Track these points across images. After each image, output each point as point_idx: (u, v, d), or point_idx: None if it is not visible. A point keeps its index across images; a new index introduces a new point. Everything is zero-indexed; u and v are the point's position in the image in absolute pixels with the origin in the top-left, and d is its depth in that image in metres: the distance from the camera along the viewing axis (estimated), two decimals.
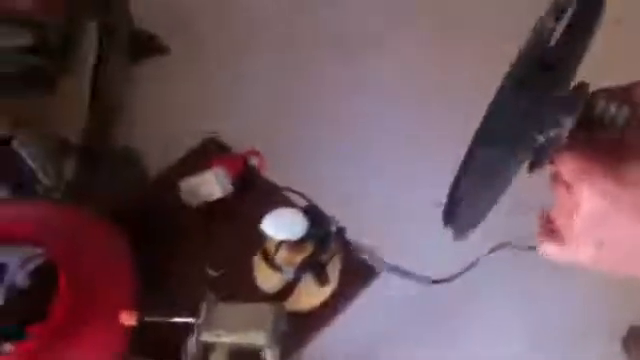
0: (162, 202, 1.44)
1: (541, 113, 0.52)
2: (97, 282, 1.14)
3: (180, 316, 1.10)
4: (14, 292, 1.13)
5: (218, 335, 1.08)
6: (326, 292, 1.27)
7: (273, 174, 1.49)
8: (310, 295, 1.26)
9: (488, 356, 1.72)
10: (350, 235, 1.27)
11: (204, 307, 1.10)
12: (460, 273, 1.10)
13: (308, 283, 1.23)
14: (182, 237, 1.39)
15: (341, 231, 1.26)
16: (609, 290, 1.62)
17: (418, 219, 1.90)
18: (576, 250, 0.55)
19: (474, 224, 0.63)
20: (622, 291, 1.52)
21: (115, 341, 1.11)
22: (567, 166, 0.53)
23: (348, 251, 1.31)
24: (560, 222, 0.56)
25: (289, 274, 1.21)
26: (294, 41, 2.37)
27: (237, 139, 1.55)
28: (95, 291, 1.13)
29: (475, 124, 0.54)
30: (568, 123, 0.53)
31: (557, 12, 0.59)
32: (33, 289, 1.14)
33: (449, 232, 0.64)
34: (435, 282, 1.22)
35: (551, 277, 1.71)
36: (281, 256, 1.22)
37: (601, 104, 0.55)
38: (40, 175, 1.57)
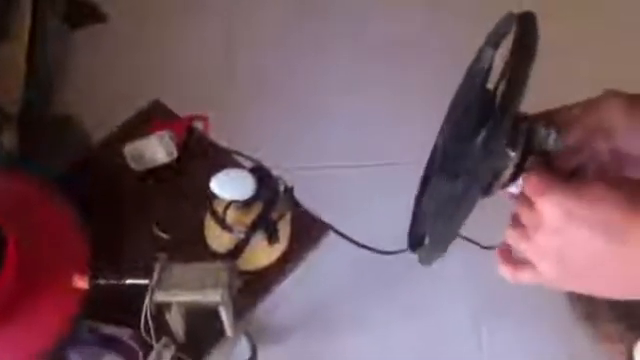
0: (107, 168, 1.43)
1: (491, 153, 0.59)
2: (46, 247, 1.13)
3: (133, 278, 1.10)
4: None
5: (173, 295, 1.09)
6: (277, 251, 1.29)
7: (219, 137, 1.50)
8: (261, 254, 1.28)
9: (436, 322, 1.77)
10: (300, 197, 1.29)
11: (157, 268, 1.10)
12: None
13: (259, 242, 1.24)
14: (129, 202, 1.38)
15: (289, 190, 1.27)
16: None
17: (372, 185, 1.95)
18: (540, 267, 0.58)
19: (440, 250, 0.67)
20: None
21: (68, 305, 1.10)
22: (530, 185, 0.58)
23: (297, 211, 1.33)
24: (522, 246, 0.59)
25: (240, 233, 1.22)
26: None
27: (181, 104, 1.55)
28: (45, 256, 1.12)
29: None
30: (514, 157, 0.60)
31: (497, 38, 0.67)
32: None
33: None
34: (387, 253, 1.27)
35: None
36: (231, 216, 1.23)
37: (540, 132, 0.62)
38: None
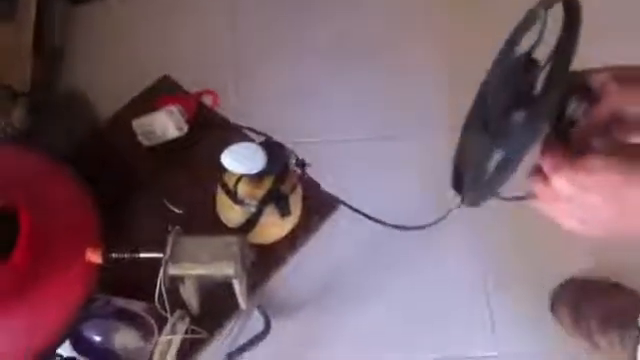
0: (117, 143, 1.43)
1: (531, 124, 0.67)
2: (59, 222, 1.13)
3: (146, 252, 1.11)
4: None
5: (186, 268, 1.09)
6: (289, 224, 1.30)
7: (226, 112, 1.50)
8: (273, 227, 1.28)
9: (446, 294, 1.77)
10: (312, 173, 1.29)
11: (170, 241, 1.11)
12: (430, 224, 1.11)
13: (271, 216, 1.25)
14: (140, 177, 1.39)
15: (301, 163, 1.27)
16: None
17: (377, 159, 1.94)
18: (567, 225, 0.69)
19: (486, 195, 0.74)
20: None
21: (82, 280, 1.11)
22: (545, 164, 0.67)
23: (309, 184, 1.33)
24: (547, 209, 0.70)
25: (251, 207, 1.22)
26: None
27: (189, 79, 1.54)
28: (57, 232, 1.12)
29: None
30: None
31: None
32: None
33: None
34: (399, 227, 1.27)
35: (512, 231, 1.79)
36: (242, 190, 1.23)
37: (572, 106, 0.69)
38: None
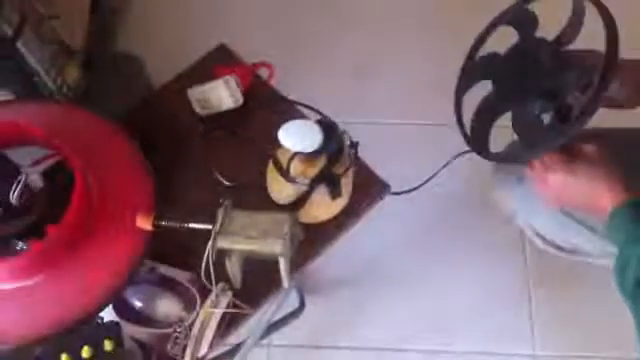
0: (170, 110, 1.42)
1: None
2: (111, 184, 1.13)
3: (196, 222, 1.10)
4: (28, 192, 1.12)
5: (235, 242, 1.08)
6: (338, 206, 1.28)
7: (282, 87, 1.48)
8: (322, 208, 1.27)
9: (485, 286, 1.75)
10: (363, 155, 1.28)
11: (221, 213, 1.10)
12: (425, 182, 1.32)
13: (321, 195, 1.23)
14: (192, 147, 1.38)
15: (355, 145, 1.25)
16: None
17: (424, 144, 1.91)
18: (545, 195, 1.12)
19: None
20: None
21: (131, 244, 1.11)
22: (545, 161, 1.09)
23: (361, 166, 1.31)
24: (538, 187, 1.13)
25: (303, 186, 1.21)
26: None
27: (245, 50, 1.53)
28: (110, 193, 1.11)
29: None
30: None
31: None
32: (48, 190, 1.13)
33: None
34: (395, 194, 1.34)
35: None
36: (295, 168, 1.21)
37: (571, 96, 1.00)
38: (45, 77, 1.53)
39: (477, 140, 1.09)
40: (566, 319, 1.70)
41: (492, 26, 1.07)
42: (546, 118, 1.04)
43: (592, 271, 1.27)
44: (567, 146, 1.08)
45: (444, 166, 1.30)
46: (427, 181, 1.34)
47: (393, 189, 1.33)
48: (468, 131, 1.10)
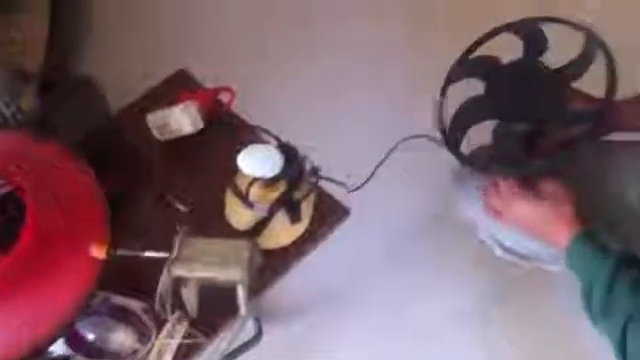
0: (128, 135, 1.40)
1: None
2: (65, 214, 1.09)
3: (152, 250, 1.07)
4: None
5: (192, 270, 1.06)
6: (299, 231, 1.26)
7: (242, 111, 1.46)
8: (282, 233, 1.25)
9: (441, 309, 1.74)
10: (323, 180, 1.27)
11: (178, 240, 1.07)
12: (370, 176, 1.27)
13: (281, 221, 1.21)
14: (149, 172, 1.36)
15: (315, 170, 1.24)
16: None
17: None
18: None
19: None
20: None
21: (83, 275, 1.07)
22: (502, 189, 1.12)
23: (321, 191, 1.30)
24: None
25: (262, 211, 1.19)
26: None
27: (206, 74, 1.51)
28: (63, 223, 1.08)
29: None
30: None
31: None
32: None
33: None
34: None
35: None
36: (254, 193, 1.19)
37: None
38: None
39: (453, 135, 1.08)
40: (522, 338, 1.70)
41: (500, 30, 1.06)
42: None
43: (551, 291, 1.27)
44: (528, 177, 1.10)
45: (390, 151, 1.27)
46: (375, 171, 1.28)
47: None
48: (447, 127, 1.09)
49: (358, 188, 1.28)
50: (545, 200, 1.06)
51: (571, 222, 1.04)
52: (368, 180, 1.28)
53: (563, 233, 1.04)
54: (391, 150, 1.27)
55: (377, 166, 1.28)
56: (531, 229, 1.10)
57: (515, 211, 1.10)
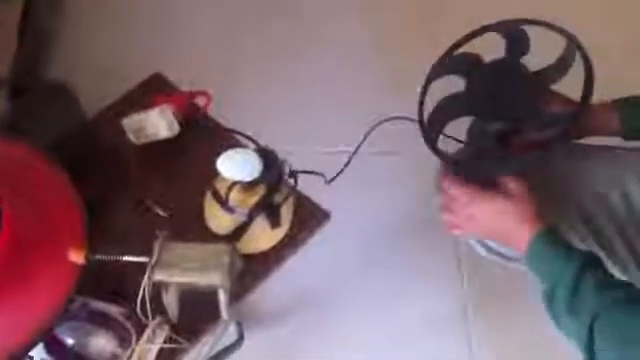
0: (104, 140, 1.38)
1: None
2: (42, 219, 1.08)
3: (131, 255, 1.06)
4: None
5: (172, 274, 1.05)
6: (279, 235, 1.26)
7: (218, 115, 1.45)
8: (262, 238, 1.25)
9: (424, 318, 1.75)
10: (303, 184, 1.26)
11: (157, 246, 1.07)
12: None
13: (260, 225, 1.21)
14: (126, 177, 1.34)
15: (294, 174, 1.24)
16: None
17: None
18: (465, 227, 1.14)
19: None
20: None
21: (61, 280, 1.06)
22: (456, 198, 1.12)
23: (301, 195, 1.30)
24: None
25: (242, 216, 1.19)
26: None
27: (182, 77, 1.50)
28: (39, 228, 1.07)
29: None
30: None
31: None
32: None
33: None
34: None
35: None
36: (234, 197, 1.19)
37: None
38: None
39: (431, 130, 1.07)
40: (504, 339, 1.71)
41: (477, 32, 1.03)
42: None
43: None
44: (489, 180, 1.09)
45: (371, 129, 1.28)
46: (349, 160, 1.30)
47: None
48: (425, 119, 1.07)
49: (337, 175, 1.28)
50: (507, 200, 1.05)
51: (533, 221, 1.03)
52: (347, 165, 1.29)
53: (524, 232, 1.03)
54: (372, 129, 1.28)
55: (357, 148, 1.30)
56: (493, 229, 1.09)
57: (475, 214, 1.09)
